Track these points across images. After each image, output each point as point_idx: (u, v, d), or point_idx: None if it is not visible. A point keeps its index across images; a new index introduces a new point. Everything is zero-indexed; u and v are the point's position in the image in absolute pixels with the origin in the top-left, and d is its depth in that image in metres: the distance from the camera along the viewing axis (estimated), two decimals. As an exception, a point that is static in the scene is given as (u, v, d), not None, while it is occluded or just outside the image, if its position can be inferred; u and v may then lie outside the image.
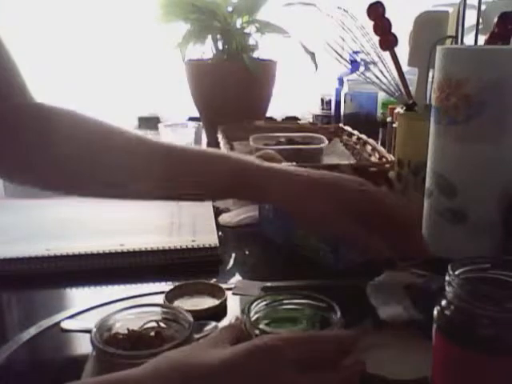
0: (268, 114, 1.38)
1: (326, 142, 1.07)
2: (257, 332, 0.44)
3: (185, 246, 0.68)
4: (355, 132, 1.10)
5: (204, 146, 1.23)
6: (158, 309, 0.46)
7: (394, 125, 0.95)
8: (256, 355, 0.36)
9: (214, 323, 0.52)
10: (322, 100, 1.49)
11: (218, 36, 1.27)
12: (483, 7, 0.90)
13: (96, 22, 1.45)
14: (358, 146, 1.06)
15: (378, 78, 0.84)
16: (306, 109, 1.56)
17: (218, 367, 0.36)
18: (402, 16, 0.86)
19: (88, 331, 0.42)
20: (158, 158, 0.57)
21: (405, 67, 0.82)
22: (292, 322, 0.50)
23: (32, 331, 0.53)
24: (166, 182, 0.56)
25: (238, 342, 0.40)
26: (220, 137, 1.09)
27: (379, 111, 1.21)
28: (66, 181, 0.57)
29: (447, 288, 0.37)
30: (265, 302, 0.48)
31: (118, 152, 0.56)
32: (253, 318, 0.46)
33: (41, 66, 1.42)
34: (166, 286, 0.61)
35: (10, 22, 1.39)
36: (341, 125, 1.21)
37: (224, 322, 0.55)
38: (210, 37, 1.27)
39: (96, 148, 0.56)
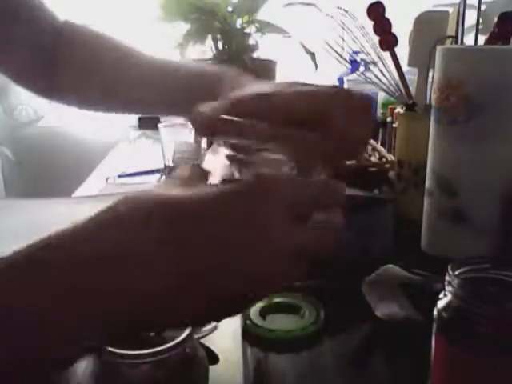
0: (268, 114, 1.38)
1: (326, 141, 1.07)
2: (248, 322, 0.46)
3: (185, 246, 0.68)
4: (355, 132, 1.10)
5: (204, 145, 1.23)
6: (158, 309, 0.46)
7: (394, 125, 0.96)
8: (246, 195, 0.32)
9: (214, 323, 0.52)
10: (322, 100, 1.48)
11: (218, 36, 1.27)
12: (483, 7, 0.90)
13: (96, 22, 1.45)
14: (358, 146, 1.06)
15: (378, 78, 0.84)
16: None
17: (201, 204, 0.31)
18: (402, 16, 0.86)
19: (88, 331, 0.42)
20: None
21: (405, 67, 0.82)
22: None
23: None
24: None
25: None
26: (220, 137, 1.09)
27: (379, 111, 1.21)
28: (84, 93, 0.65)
29: (447, 288, 0.37)
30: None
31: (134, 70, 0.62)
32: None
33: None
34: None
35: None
36: (341, 125, 1.21)
37: (224, 322, 0.55)
38: (209, 37, 1.27)
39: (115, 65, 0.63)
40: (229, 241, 0.31)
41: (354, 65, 1.14)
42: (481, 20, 0.73)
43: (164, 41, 1.29)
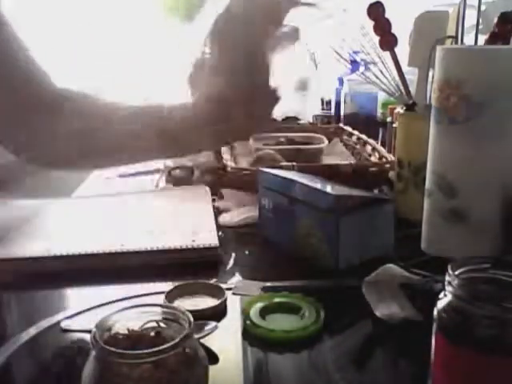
0: (268, 114, 1.38)
1: (326, 142, 1.07)
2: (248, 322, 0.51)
3: (185, 246, 0.68)
4: (355, 132, 1.10)
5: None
6: (158, 309, 0.46)
7: (394, 125, 0.96)
8: None
9: (214, 323, 0.52)
10: (322, 100, 1.48)
11: (219, 36, 1.27)
12: (483, 7, 0.90)
13: (98, 22, 1.45)
14: (357, 146, 1.06)
15: (377, 77, 0.84)
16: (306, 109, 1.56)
17: None
18: (402, 16, 0.86)
19: (88, 331, 0.42)
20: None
21: (405, 67, 0.82)
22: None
23: (32, 331, 0.53)
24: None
25: None
26: (220, 137, 1.09)
27: (379, 111, 1.21)
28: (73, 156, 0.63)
29: (447, 288, 0.37)
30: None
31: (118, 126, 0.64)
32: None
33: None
34: (166, 286, 0.61)
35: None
36: (341, 125, 1.21)
37: (224, 322, 0.55)
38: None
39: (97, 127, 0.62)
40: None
41: (354, 65, 1.14)
42: (481, 20, 0.73)
43: (165, 41, 1.30)
